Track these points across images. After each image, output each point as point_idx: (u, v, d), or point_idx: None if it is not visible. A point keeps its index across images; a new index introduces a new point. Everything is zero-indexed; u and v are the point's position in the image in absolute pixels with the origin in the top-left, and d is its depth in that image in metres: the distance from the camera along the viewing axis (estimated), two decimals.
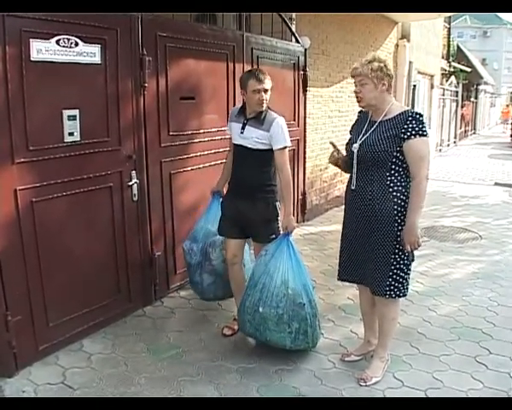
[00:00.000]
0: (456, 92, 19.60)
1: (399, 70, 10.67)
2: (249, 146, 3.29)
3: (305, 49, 6.11)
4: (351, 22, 8.23)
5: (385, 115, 2.85)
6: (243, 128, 3.32)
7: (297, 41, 5.97)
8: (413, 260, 2.97)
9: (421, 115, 2.79)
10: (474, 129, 28.33)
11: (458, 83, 19.59)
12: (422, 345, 3.50)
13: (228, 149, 3.73)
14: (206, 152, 4.46)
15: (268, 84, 3.27)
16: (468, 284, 4.63)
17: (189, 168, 4.31)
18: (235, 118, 3.43)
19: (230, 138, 3.55)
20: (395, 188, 2.82)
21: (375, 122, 2.88)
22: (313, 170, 7.45)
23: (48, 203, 3.16)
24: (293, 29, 5.99)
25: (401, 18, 10.21)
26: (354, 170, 2.94)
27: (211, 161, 4.49)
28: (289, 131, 3.41)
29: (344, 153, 3.13)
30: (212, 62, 4.47)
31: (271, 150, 3.28)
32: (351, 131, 3.12)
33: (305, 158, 6.42)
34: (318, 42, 7.12)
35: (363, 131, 2.92)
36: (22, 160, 2.99)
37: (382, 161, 2.81)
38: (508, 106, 45.13)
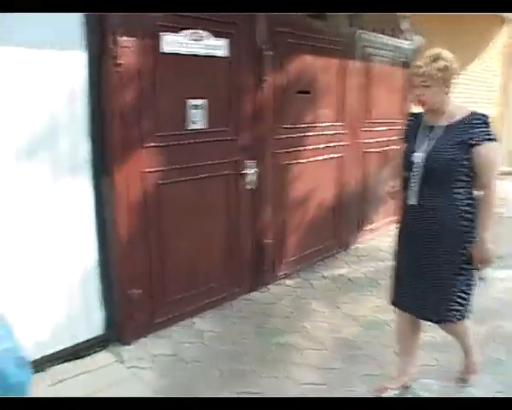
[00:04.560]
0: None
1: None
2: None
3: (417, 48, 5.95)
4: (459, 23, 7.87)
5: (447, 118, 2.52)
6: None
7: (408, 39, 5.85)
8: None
9: (487, 117, 2.47)
10: None
11: None
12: None
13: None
14: (319, 146, 4.55)
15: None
16: None
17: (301, 161, 4.40)
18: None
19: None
20: (463, 201, 2.49)
21: (437, 127, 2.54)
22: None
23: (171, 187, 3.36)
24: (407, 27, 5.87)
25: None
26: (415, 183, 2.56)
27: (321, 155, 4.58)
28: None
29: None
30: (326, 58, 4.53)
31: None
32: (404, 139, 2.75)
33: None
34: (431, 42, 6.88)
35: (426, 139, 2.57)
36: (151, 144, 3.21)
37: (451, 170, 2.48)
38: None
